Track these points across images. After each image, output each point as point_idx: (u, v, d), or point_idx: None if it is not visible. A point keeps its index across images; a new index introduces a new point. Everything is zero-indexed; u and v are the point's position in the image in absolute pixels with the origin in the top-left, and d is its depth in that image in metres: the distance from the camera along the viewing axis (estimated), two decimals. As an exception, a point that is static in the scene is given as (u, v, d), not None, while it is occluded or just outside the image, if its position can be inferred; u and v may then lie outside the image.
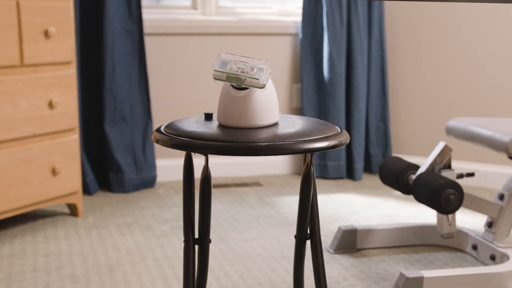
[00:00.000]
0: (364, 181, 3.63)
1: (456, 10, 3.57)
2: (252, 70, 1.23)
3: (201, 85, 3.59)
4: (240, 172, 3.69)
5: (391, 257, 2.53)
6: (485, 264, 2.45)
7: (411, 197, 3.23)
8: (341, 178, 3.67)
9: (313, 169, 1.34)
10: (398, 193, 3.24)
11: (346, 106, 3.69)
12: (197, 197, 1.36)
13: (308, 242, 1.41)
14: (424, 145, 3.67)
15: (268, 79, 1.25)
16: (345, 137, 1.28)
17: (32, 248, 2.56)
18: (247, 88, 1.24)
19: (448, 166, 2.47)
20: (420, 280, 2.13)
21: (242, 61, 1.24)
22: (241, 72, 1.23)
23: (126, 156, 3.37)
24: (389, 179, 2.54)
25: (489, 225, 2.47)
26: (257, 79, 1.23)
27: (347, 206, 3.17)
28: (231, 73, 1.23)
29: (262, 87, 1.23)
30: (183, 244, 1.37)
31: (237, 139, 1.20)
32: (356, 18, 3.61)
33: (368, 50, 3.70)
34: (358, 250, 2.59)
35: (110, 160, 3.35)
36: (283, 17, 3.78)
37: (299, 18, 3.71)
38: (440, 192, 2.26)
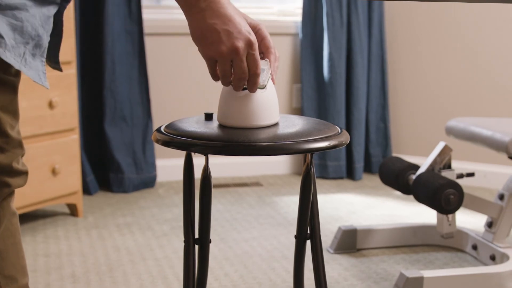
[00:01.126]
0: (364, 181, 3.63)
1: (456, 10, 3.57)
2: None
3: (201, 85, 3.59)
4: (240, 172, 3.69)
5: (391, 257, 2.53)
6: (485, 264, 2.45)
7: (411, 197, 3.23)
8: (341, 178, 3.67)
9: (313, 169, 1.34)
10: (398, 193, 3.24)
11: (346, 106, 3.69)
12: (197, 197, 1.36)
13: (308, 242, 1.41)
14: (424, 145, 3.67)
15: (268, 79, 1.25)
16: (345, 137, 1.28)
17: (32, 248, 2.56)
18: (247, 88, 1.24)
19: (448, 166, 2.47)
20: (420, 280, 2.13)
21: None
22: None
23: (126, 156, 3.37)
24: (389, 179, 2.54)
25: (489, 225, 2.47)
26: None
27: (347, 206, 3.17)
28: None
29: (263, 87, 1.23)
30: (183, 244, 1.37)
31: (237, 139, 1.20)
32: (356, 18, 3.61)
33: (368, 50, 3.70)
34: (358, 250, 2.59)
35: (110, 160, 3.35)
36: (283, 17, 3.78)
37: (299, 18, 3.70)
38: (440, 192, 2.26)
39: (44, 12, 1.02)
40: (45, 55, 1.05)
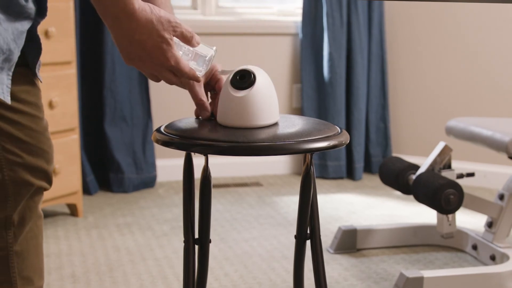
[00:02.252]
0: (364, 181, 3.63)
1: (456, 10, 3.57)
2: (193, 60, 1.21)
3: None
4: (240, 172, 3.69)
5: (391, 257, 2.53)
6: (485, 264, 2.45)
7: (411, 197, 3.23)
8: (341, 178, 3.67)
9: (313, 169, 1.34)
10: (398, 193, 3.24)
11: (346, 106, 3.69)
12: (197, 197, 1.36)
13: (308, 242, 1.41)
14: (424, 145, 3.67)
15: (208, 66, 1.22)
16: (345, 137, 1.28)
17: (32, 248, 2.56)
18: (247, 88, 1.24)
19: (448, 166, 2.47)
20: (420, 280, 2.13)
21: (187, 49, 1.20)
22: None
23: (126, 156, 3.37)
24: (389, 179, 2.54)
25: (489, 225, 2.47)
26: (200, 70, 1.21)
27: (347, 206, 3.17)
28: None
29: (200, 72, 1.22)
30: (183, 244, 1.37)
31: (237, 139, 1.20)
32: (356, 18, 3.61)
33: (368, 50, 3.70)
34: (358, 250, 2.59)
35: (110, 160, 3.35)
36: (283, 17, 3.78)
37: (299, 18, 3.70)
38: (440, 192, 2.26)
39: (17, 27, 1.02)
40: (12, 70, 1.04)
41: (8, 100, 1.03)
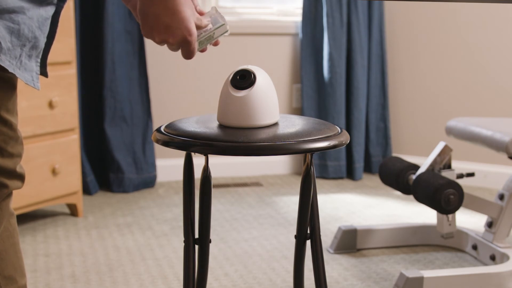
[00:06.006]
0: (364, 181, 3.63)
1: (455, 10, 3.57)
2: (215, 22, 1.23)
3: (201, 85, 3.59)
4: (240, 172, 3.69)
5: (391, 257, 2.53)
6: (485, 264, 2.45)
7: (411, 197, 3.23)
8: (341, 178, 3.67)
9: (313, 169, 1.34)
10: (398, 193, 3.24)
11: (346, 106, 3.69)
12: (197, 197, 1.36)
13: (308, 242, 1.41)
14: (424, 145, 3.67)
15: (223, 33, 1.24)
16: (345, 137, 1.28)
17: (32, 248, 2.56)
18: (247, 88, 1.24)
19: (448, 166, 2.47)
20: (420, 280, 2.13)
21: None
22: (204, 30, 1.22)
23: (126, 156, 3.37)
24: (389, 179, 2.54)
25: (489, 225, 2.47)
26: (223, 24, 1.23)
27: (347, 206, 3.17)
28: (201, 40, 1.22)
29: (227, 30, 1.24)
30: (183, 244, 1.37)
31: (237, 139, 1.20)
32: (356, 18, 3.61)
33: (368, 50, 3.70)
34: (358, 250, 2.59)
35: (110, 160, 3.35)
36: (283, 17, 3.78)
37: (299, 18, 3.70)
38: (440, 192, 2.26)
39: (41, 14, 1.04)
40: (40, 56, 1.07)
41: (38, 87, 1.05)
